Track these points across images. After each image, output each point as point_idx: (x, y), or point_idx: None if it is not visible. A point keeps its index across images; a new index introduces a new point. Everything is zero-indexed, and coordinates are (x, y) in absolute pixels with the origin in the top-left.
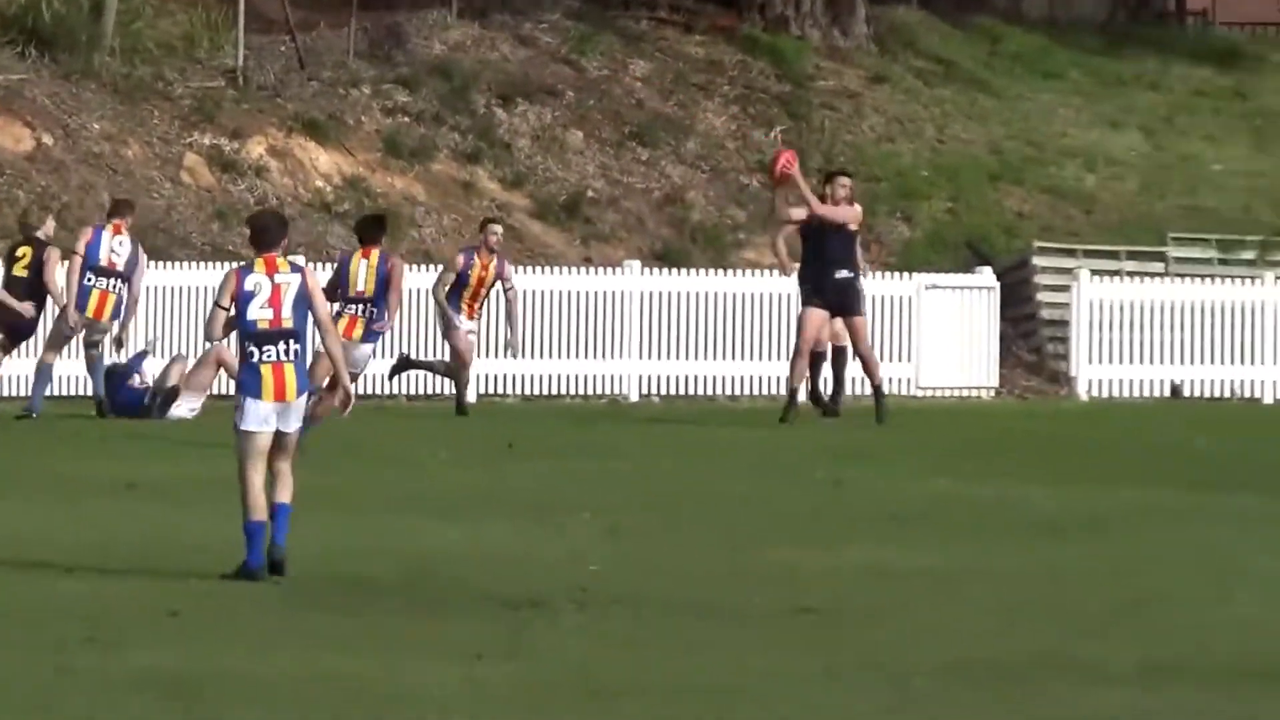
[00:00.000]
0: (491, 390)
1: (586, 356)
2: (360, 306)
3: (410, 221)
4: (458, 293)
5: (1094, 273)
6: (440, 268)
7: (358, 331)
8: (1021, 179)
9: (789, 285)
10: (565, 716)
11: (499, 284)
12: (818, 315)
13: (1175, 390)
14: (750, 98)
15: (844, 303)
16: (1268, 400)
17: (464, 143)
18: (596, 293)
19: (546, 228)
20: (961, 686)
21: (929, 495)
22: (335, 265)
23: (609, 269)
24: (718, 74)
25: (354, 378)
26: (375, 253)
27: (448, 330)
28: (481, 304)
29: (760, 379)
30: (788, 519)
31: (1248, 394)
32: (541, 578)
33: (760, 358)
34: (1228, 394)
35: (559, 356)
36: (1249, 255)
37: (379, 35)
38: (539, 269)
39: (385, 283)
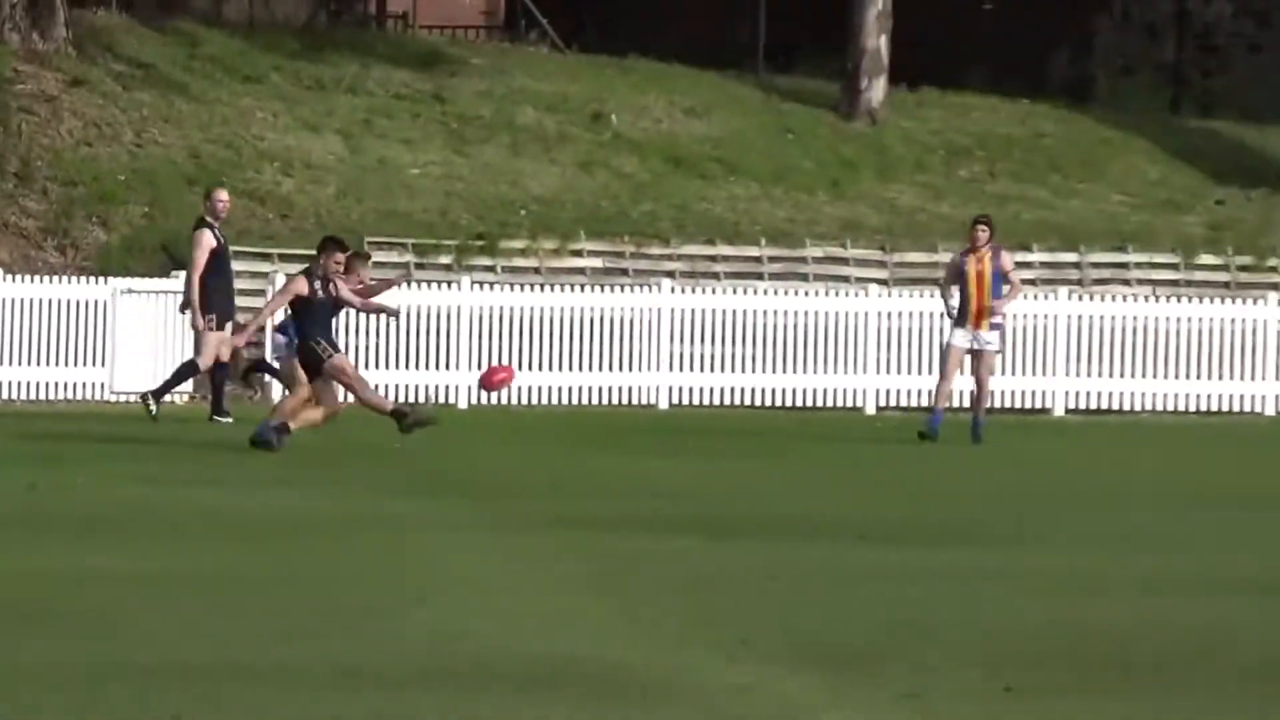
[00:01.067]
0: None
1: None
2: None
3: None
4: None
5: (289, 277)
6: None
7: None
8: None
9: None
10: None
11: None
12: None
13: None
14: None
15: None
16: (461, 405)
17: None
18: None
19: None
20: (155, 692)
21: (124, 499)
22: None
23: None
24: None
25: None
26: None
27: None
28: None
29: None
30: None
31: (443, 399)
32: None
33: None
34: (422, 397)
35: None
36: (445, 260)
37: None
38: None
39: None
